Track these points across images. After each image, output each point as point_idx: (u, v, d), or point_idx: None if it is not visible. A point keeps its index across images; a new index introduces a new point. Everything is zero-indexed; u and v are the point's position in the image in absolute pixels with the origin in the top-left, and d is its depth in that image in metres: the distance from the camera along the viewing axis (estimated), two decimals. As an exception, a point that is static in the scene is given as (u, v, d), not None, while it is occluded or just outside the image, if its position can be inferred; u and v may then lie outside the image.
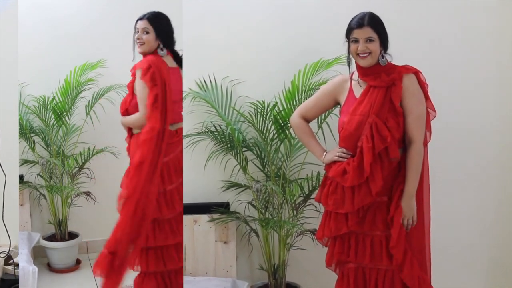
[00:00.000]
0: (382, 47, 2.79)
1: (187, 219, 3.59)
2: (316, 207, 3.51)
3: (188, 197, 3.61)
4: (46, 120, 3.87)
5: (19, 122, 3.75)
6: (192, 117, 3.65)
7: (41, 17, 3.81)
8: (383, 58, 2.80)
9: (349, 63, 2.89)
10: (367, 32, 2.75)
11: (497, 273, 3.79)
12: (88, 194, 3.92)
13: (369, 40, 2.75)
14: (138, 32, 3.12)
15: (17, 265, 3.52)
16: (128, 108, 3.15)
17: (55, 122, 3.89)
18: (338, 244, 2.93)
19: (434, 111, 2.92)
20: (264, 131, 3.48)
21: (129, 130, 3.21)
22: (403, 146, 2.84)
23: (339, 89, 2.96)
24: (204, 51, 3.67)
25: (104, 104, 3.89)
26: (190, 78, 3.63)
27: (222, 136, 3.56)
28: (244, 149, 3.54)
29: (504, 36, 3.62)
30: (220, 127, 3.58)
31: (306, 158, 3.52)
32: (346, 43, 2.84)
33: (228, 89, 3.64)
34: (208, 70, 3.65)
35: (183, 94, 3.59)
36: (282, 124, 3.44)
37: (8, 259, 3.54)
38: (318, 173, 3.45)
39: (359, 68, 2.85)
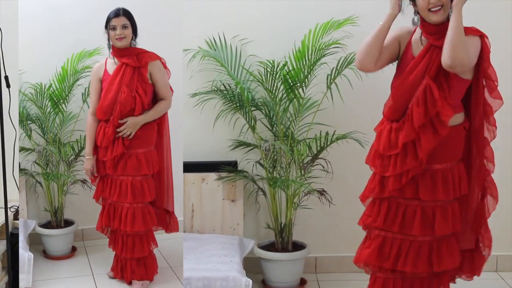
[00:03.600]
0: None
1: (195, 177, 3.63)
2: (323, 167, 3.53)
3: (197, 155, 3.64)
4: (43, 107, 3.83)
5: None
6: (201, 76, 3.65)
7: (39, 5, 3.74)
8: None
9: (415, 23, 2.66)
10: None
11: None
12: (84, 181, 3.89)
13: None
14: (115, 29, 3.29)
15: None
16: (148, 97, 3.38)
17: (51, 109, 3.85)
18: (368, 207, 2.83)
19: (501, 98, 2.73)
20: (273, 91, 3.49)
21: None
22: (463, 111, 2.73)
23: (403, 38, 2.73)
24: (213, 9, 3.65)
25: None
26: (199, 36, 3.62)
27: (231, 95, 3.56)
28: (252, 108, 3.55)
29: (504, 36, 3.54)
30: (229, 86, 3.59)
31: (315, 118, 3.52)
32: (408, 2, 2.63)
33: (237, 48, 3.63)
34: (218, 28, 3.63)
35: (193, 53, 3.60)
36: (292, 84, 3.44)
37: (17, 213, 3.58)
38: (327, 133, 3.46)
39: (424, 25, 2.63)
